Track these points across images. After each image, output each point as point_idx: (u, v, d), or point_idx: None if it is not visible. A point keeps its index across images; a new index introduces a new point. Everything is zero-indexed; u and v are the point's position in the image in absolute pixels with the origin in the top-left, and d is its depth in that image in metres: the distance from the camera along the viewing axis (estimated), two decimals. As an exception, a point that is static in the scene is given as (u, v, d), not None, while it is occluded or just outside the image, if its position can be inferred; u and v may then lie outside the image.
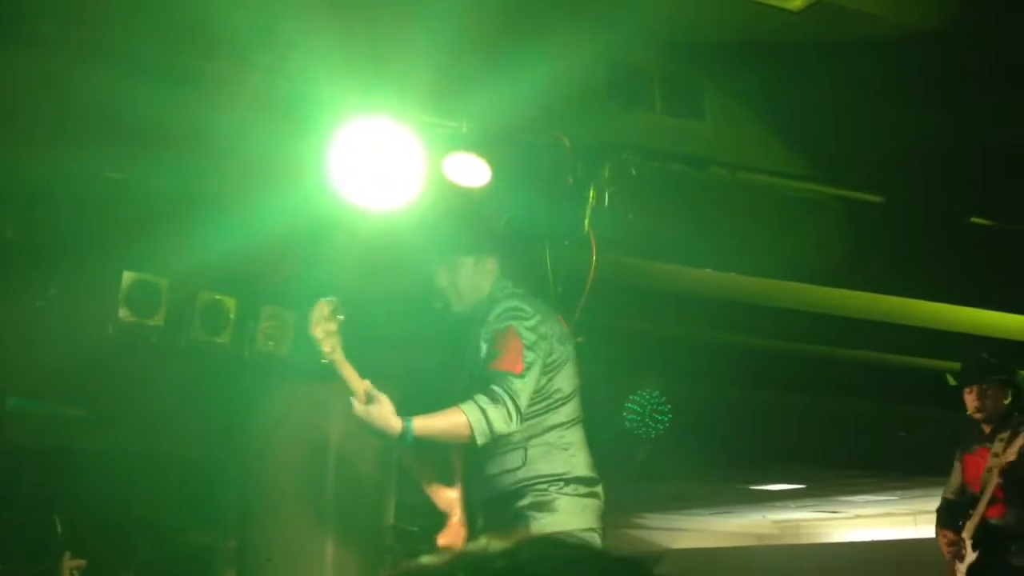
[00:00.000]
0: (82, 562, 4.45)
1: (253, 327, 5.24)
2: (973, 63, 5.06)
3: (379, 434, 3.16)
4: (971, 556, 5.43)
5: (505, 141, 4.55)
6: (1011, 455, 5.22)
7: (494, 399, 3.19)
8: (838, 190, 5.41)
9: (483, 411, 3.17)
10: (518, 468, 3.29)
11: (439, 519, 6.52)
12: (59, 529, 5.68)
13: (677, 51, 4.97)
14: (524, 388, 3.23)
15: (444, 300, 3.46)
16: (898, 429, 7.98)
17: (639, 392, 3.56)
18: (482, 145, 4.43)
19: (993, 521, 5.36)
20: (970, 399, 5.53)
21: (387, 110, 4.27)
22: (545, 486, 3.27)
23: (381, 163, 4.25)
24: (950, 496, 5.80)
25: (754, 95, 5.20)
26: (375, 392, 3.07)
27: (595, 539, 3.28)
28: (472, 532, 3.39)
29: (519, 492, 3.28)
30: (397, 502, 5.86)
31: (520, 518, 3.26)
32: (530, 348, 3.29)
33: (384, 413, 3.10)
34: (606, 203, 4.48)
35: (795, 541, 16.15)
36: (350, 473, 5.59)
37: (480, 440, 3.17)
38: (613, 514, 3.45)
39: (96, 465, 6.33)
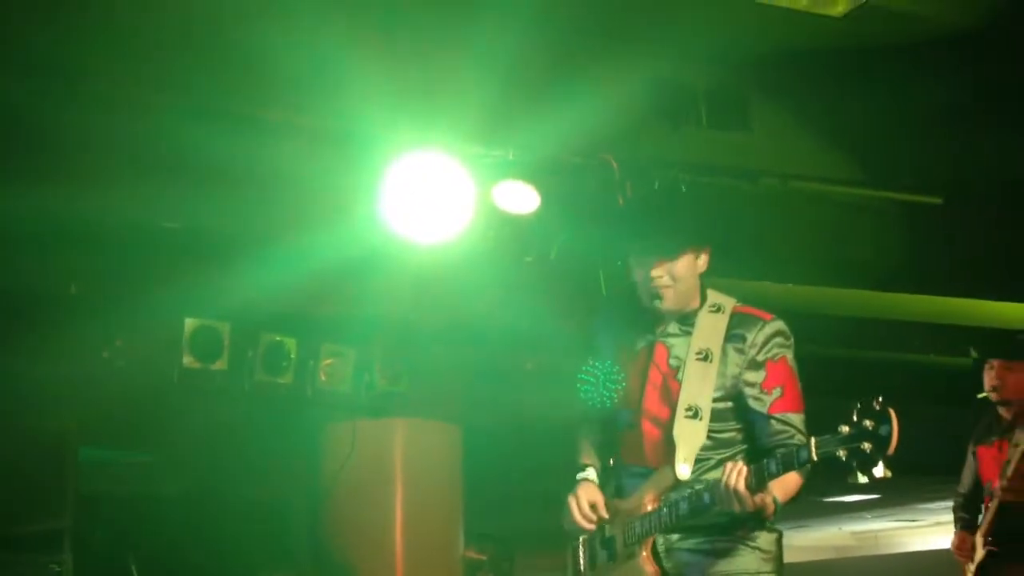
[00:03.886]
0: None
1: (314, 366, 5.31)
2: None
3: (749, 513, 2.86)
4: (980, 554, 4.92)
5: (553, 166, 4.56)
6: None
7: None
8: (894, 193, 5.34)
9: (805, 467, 2.88)
10: None
11: (508, 547, 6.51)
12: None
13: (720, 65, 4.95)
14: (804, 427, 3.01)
15: (654, 296, 3.08)
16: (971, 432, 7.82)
17: (592, 363, 3.24)
18: (530, 172, 4.45)
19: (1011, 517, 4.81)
20: (990, 376, 4.98)
21: (436, 143, 4.31)
22: (755, 521, 3.00)
23: (431, 195, 4.28)
24: (965, 492, 5.27)
25: (802, 103, 5.16)
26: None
27: None
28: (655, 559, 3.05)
29: (740, 519, 2.96)
30: (466, 531, 5.87)
31: (732, 550, 3.00)
32: (799, 379, 3.08)
33: (768, 500, 2.84)
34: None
35: (874, 552, 15.88)
36: (418, 505, 5.61)
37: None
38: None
39: (168, 510, 6.41)
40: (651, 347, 3.15)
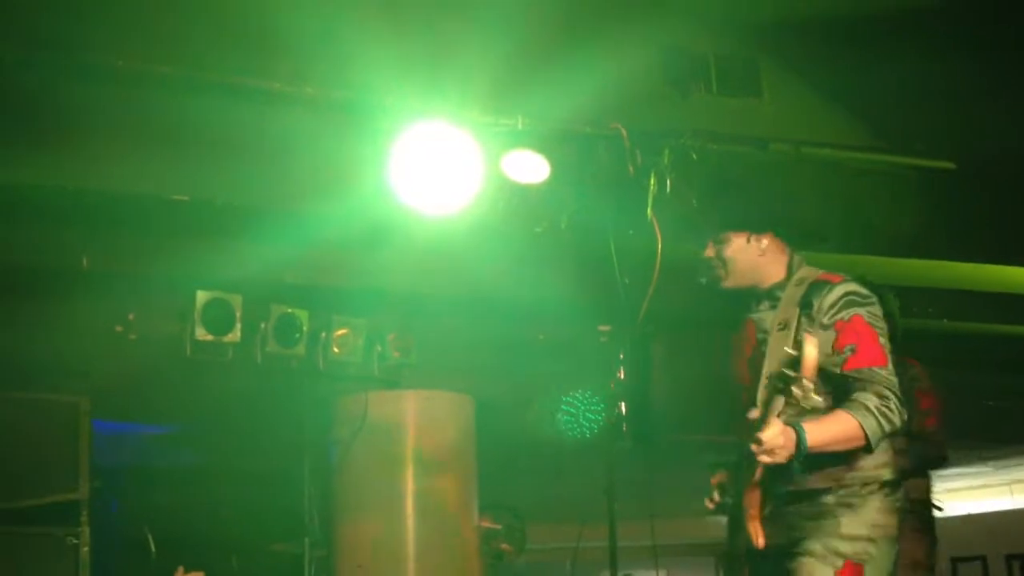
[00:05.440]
0: (200, 573, 4.43)
1: (326, 338, 5.31)
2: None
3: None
4: None
5: (563, 136, 4.54)
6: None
7: (881, 396, 2.95)
8: (907, 159, 5.30)
9: (873, 413, 2.94)
10: (840, 463, 3.01)
11: (523, 517, 6.53)
12: (152, 547, 5.79)
13: (730, 31, 4.92)
14: (895, 379, 2.99)
15: (710, 274, 3.23)
16: (983, 399, 7.80)
17: (572, 393, 3.24)
18: (540, 141, 4.43)
19: None
20: None
21: (444, 113, 4.29)
22: (859, 486, 3.02)
23: (440, 165, 4.26)
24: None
25: (813, 70, 5.12)
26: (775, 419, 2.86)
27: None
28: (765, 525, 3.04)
29: (830, 488, 3.01)
30: (480, 502, 5.88)
31: (825, 514, 3.02)
32: (882, 335, 3.06)
33: (787, 435, 2.88)
34: (668, 190, 4.44)
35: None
36: (431, 475, 5.61)
37: (875, 444, 2.94)
38: (699, 501, 3.36)
39: (183, 482, 6.45)
40: (745, 324, 3.26)
